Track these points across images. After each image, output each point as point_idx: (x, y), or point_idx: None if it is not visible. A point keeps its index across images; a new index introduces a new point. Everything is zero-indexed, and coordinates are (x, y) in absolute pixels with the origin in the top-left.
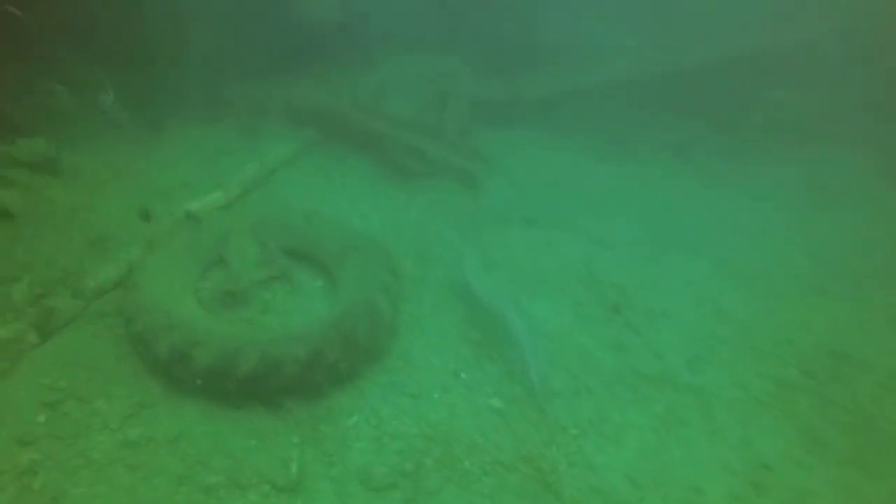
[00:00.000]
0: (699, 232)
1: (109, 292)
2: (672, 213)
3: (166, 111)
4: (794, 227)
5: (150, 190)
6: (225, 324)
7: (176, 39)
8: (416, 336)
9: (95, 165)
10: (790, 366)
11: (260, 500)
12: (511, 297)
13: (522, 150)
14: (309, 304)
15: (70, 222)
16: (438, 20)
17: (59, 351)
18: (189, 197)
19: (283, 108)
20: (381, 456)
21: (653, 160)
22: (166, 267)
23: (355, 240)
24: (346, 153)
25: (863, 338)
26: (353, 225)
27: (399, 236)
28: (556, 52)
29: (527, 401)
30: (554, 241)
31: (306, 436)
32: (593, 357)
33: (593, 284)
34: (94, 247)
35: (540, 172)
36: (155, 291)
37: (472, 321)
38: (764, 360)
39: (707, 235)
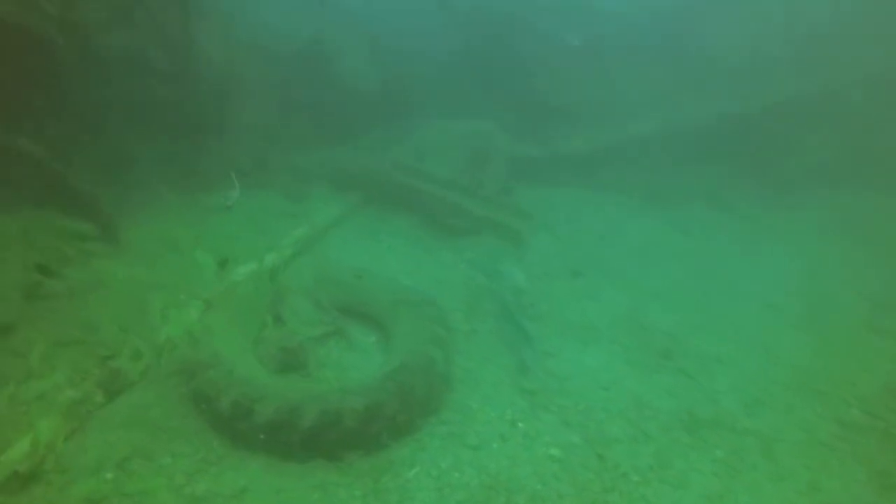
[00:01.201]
0: (744, 278)
1: (171, 352)
2: (715, 260)
3: (217, 179)
4: (841, 269)
5: (205, 254)
6: (284, 379)
7: (224, 112)
8: (470, 388)
9: (154, 231)
10: (852, 406)
11: None
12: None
13: (562, 205)
14: (363, 358)
15: (130, 288)
16: (472, 85)
17: (124, 410)
18: (243, 259)
19: (328, 173)
20: None
21: (691, 209)
22: (225, 326)
23: (406, 295)
24: (391, 214)
25: None
26: (402, 281)
27: (447, 291)
28: (588, 109)
29: (584, 448)
30: (600, 292)
31: (368, 488)
32: (648, 403)
33: (642, 332)
34: (153, 310)
35: (581, 226)
36: (215, 350)
37: (528, 371)
38: (824, 402)
39: (752, 281)
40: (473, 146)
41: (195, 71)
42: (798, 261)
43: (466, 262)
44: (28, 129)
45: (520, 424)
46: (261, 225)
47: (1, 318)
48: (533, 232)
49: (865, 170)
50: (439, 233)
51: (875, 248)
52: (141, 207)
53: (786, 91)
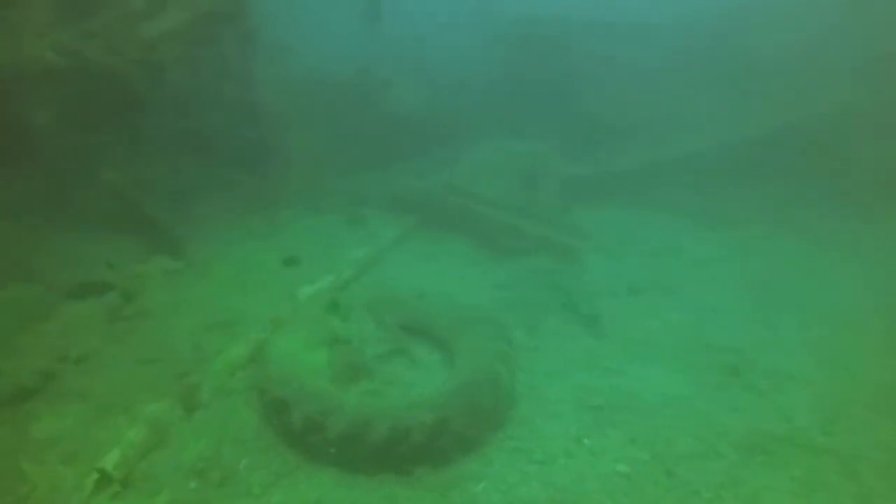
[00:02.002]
0: (810, 294)
1: (243, 369)
2: (780, 277)
3: (279, 205)
4: None
5: (270, 275)
6: (353, 395)
7: (283, 140)
8: (535, 404)
9: (222, 254)
10: None
11: None
12: None
13: (616, 224)
14: (426, 375)
15: (202, 308)
16: (522, 107)
17: (202, 424)
18: (306, 281)
19: (383, 197)
20: None
21: (750, 225)
22: (294, 344)
23: (468, 313)
24: (447, 235)
25: None
26: (462, 300)
27: (507, 310)
28: (640, 127)
29: (652, 465)
30: (661, 310)
31: (436, 502)
32: (717, 420)
33: (707, 350)
34: (225, 329)
35: (636, 245)
36: (286, 366)
37: (590, 389)
38: None
39: (819, 298)
40: (525, 166)
41: (255, 102)
42: (866, 276)
43: (524, 281)
44: (110, 161)
45: (585, 441)
46: (322, 247)
47: (86, 340)
48: (588, 251)
49: None
50: (495, 253)
51: None
52: (208, 233)
53: (845, 99)
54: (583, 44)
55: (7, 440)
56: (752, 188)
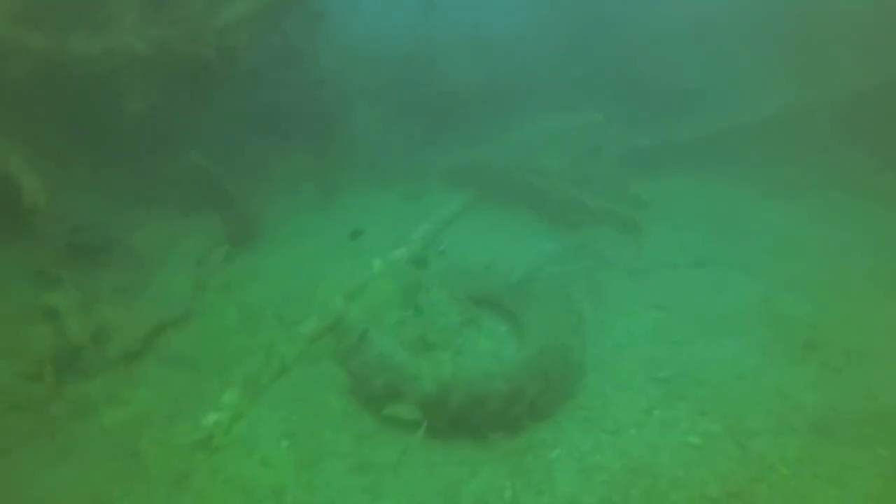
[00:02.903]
0: (890, 266)
1: (323, 338)
2: (855, 247)
3: (343, 181)
4: None
5: (340, 249)
6: (428, 363)
7: (343, 116)
8: (604, 375)
9: (293, 231)
10: None
11: None
12: None
13: (679, 195)
14: (496, 346)
15: (281, 280)
16: (580, 76)
17: (288, 389)
18: (377, 254)
19: (443, 170)
20: (587, 487)
21: (824, 196)
22: (370, 314)
23: (536, 286)
24: (508, 208)
25: None
26: (529, 273)
27: (572, 282)
28: (704, 94)
29: (724, 438)
30: (727, 282)
31: (512, 467)
32: (792, 396)
33: (779, 323)
34: (303, 300)
35: (701, 216)
36: (366, 335)
37: (659, 361)
38: None
39: None
40: (585, 138)
41: (317, 81)
42: None
43: (587, 253)
44: (193, 143)
45: (656, 412)
46: (386, 222)
47: (176, 310)
48: (651, 223)
49: None
50: (558, 226)
51: None
52: (279, 208)
53: None
54: (641, 6)
55: (116, 400)
56: (826, 157)
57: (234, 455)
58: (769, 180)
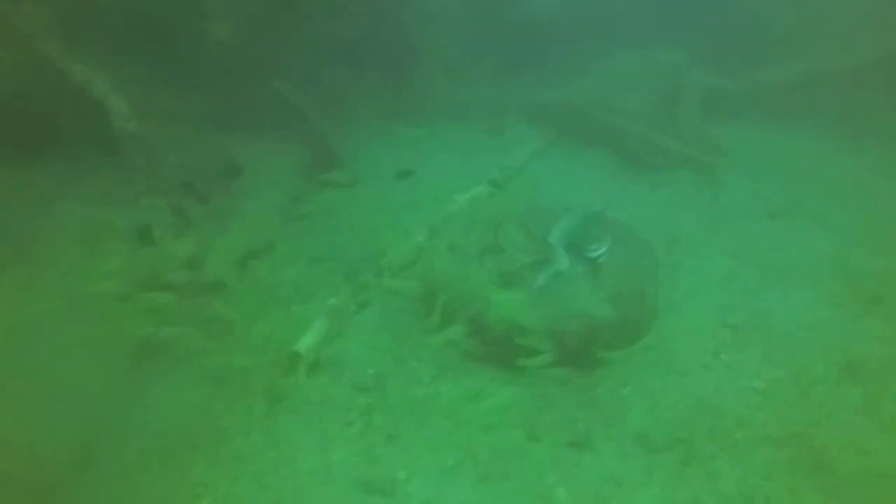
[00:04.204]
0: None
1: (406, 270)
2: None
3: (420, 113)
4: None
5: (419, 183)
6: (509, 300)
7: (422, 47)
8: (675, 319)
9: (373, 163)
10: None
11: (552, 452)
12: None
13: (760, 142)
14: (573, 286)
15: (364, 212)
16: (660, 12)
17: (373, 319)
18: (457, 189)
19: (521, 107)
20: (655, 422)
21: None
22: (449, 250)
23: (611, 228)
24: (586, 148)
25: None
26: (605, 214)
27: (646, 226)
28: (795, 33)
29: (788, 384)
30: (801, 234)
31: (586, 401)
32: (856, 347)
33: (848, 276)
34: (384, 232)
35: (780, 164)
36: (446, 270)
37: (728, 308)
38: None
39: None
40: (666, 78)
41: (394, 10)
42: None
43: (663, 197)
44: (278, 71)
45: (723, 356)
46: (466, 157)
47: (264, 238)
48: (728, 170)
49: None
50: (635, 168)
51: None
52: (359, 140)
53: None
54: None
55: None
56: None
57: (325, 379)
58: (855, 130)
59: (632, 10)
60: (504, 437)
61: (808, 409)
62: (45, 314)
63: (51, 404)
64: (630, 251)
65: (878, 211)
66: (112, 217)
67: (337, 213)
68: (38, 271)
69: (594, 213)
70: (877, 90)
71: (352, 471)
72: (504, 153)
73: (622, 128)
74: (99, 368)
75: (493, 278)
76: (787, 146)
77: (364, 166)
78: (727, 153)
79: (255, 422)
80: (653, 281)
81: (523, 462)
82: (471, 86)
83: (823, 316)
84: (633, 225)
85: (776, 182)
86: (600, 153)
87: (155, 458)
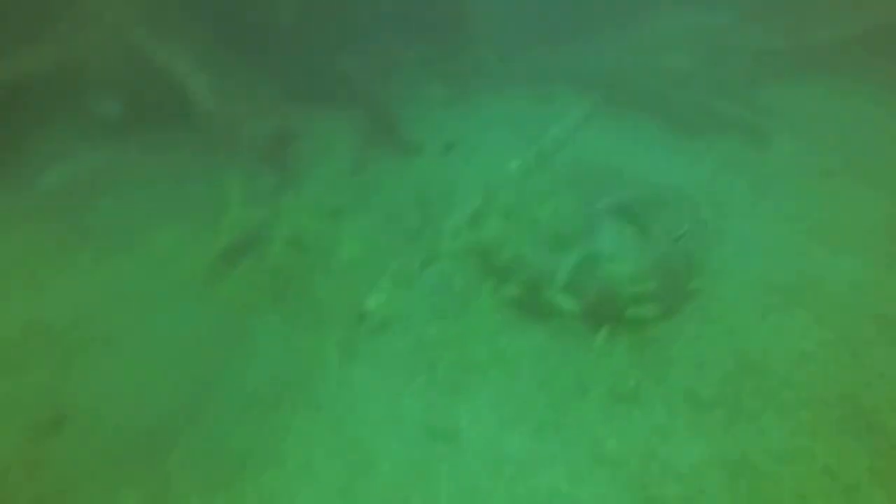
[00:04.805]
0: None
1: (464, 233)
2: None
3: (469, 82)
4: None
5: (472, 151)
6: (564, 261)
7: (472, 17)
8: (723, 281)
9: (426, 131)
10: None
11: (603, 407)
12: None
13: (810, 102)
14: (623, 248)
15: (422, 175)
16: None
17: (433, 280)
18: (508, 158)
19: (569, 71)
20: (702, 379)
21: None
22: (506, 215)
23: (660, 191)
24: (634, 113)
25: None
26: (654, 178)
27: (695, 189)
28: None
29: (837, 345)
30: (853, 195)
31: (635, 358)
32: None
33: None
34: (443, 199)
35: (831, 124)
36: (502, 235)
37: (777, 269)
38: None
39: None
40: (713, 40)
41: None
42: None
43: (712, 160)
44: (338, 44)
45: (772, 317)
46: (516, 125)
47: (330, 204)
48: (778, 131)
49: None
50: (682, 131)
51: None
52: (413, 109)
53: None
54: None
55: (289, 279)
56: None
57: (392, 334)
58: None
59: None
60: (557, 392)
61: (858, 371)
62: (143, 278)
63: (152, 361)
64: (679, 214)
65: None
66: (196, 188)
67: (396, 179)
68: (133, 240)
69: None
70: None
71: (418, 419)
72: (553, 120)
73: (670, 91)
74: (193, 328)
75: (545, 241)
76: (839, 106)
77: (419, 135)
78: (777, 114)
79: (330, 373)
80: (701, 244)
81: (575, 415)
82: (519, 54)
83: (875, 278)
84: (682, 188)
85: (827, 143)
86: (648, 117)
87: (244, 406)
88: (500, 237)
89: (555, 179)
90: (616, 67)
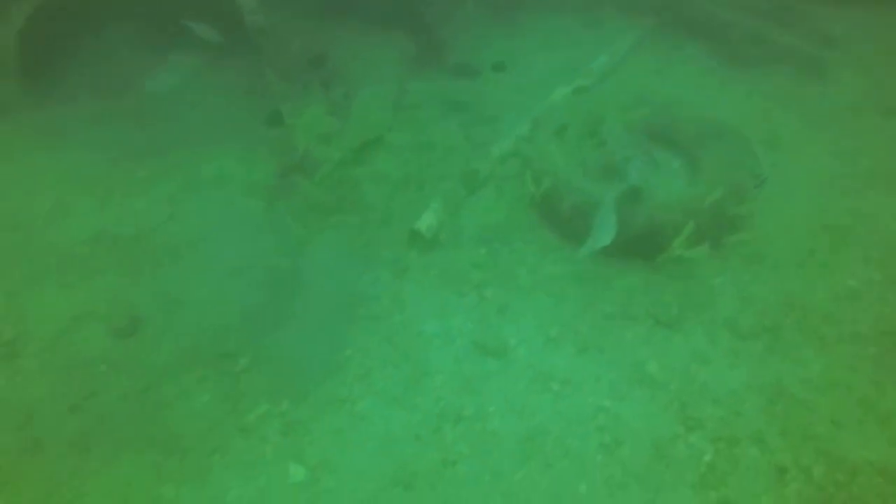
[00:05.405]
0: None
1: (511, 159)
2: None
3: (518, 5)
4: None
5: (521, 76)
6: (611, 191)
7: None
8: (773, 215)
9: (472, 56)
10: None
11: (645, 331)
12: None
13: (873, 32)
14: (670, 181)
15: (468, 101)
16: None
17: (482, 203)
18: (557, 83)
19: None
20: (744, 312)
21: None
22: (552, 142)
23: (711, 123)
24: (686, 40)
25: None
26: (703, 110)
27: (747, 123)
28: None
29: (883, 285)
30: None
31: (679, 289)
32: None
33: None
34: (491, 124)
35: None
36: (552, 160)
37: (828, 207)
38: None
39: None
40: None
41: None
42: None
43: (764, 93)
44: None
45: (818, 254)
46: (565, 50)
47: (379, 125)
48: (838, 63)
49: None
50: (736, 61)
51: None
52: (462, 34)
53: None
54: None
55: (338, 203)
56: None
57: (442, 254)
58: None
59: None
60: (601, 315)
61: None
62: (201, 194)
63: (216, 271)
64: (730, 149)
65: None
66: (250, 105)
67: (442, 102)
68: (185, 157)
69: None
70: None
71: (469, 335)
72: (602, 46)
73: (724, 18)
74: (251, 243)
75: (594, 169)
76: None
77: (465, 58)
78: (837, 44)
79: (383, 289)
80: (752, 179)
81: (618, 337)
82: None
83: None
84: (733, 122)
85: (891, 77)
86: (701, 45)
87: (305, 316)
88: (547, 163)
89: (602, 107)
90: None
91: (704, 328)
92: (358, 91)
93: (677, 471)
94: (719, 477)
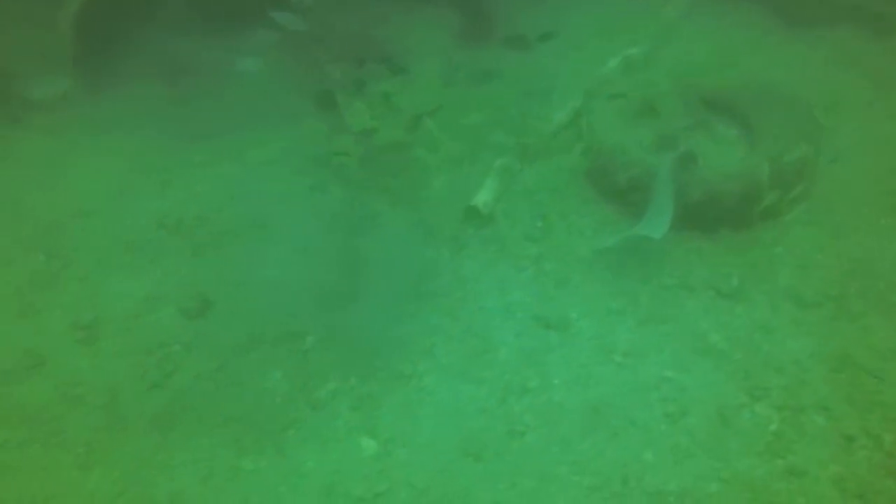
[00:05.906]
0: None
1: (564, 132)
2: None
3: None
4: None
5: (572, 47)
6: (669, 161)
7: None
8: (833, 183)
9: (522, 31)
10: None
11: (706, 302)
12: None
13: None
14: (727, 150)
15: (519, 76)
16: None
17: (537, 177)
18: (608, 53)
19: None
20: (806, 281)
21: None
22: (607, 113)
23: (770, 90)
24: (739, 2)
25: None
26: (760, 75)
27: (806, 87)
28: None
29: None
30: None
31: (738, 259)
32: None
33: None
34: (543, 97)
35: None
36: (605, 133)
37: (892, 171)
38: None
39: None
40: None
41: None
42: None
43: (824, 57)
44: None
45: (882, 221)
46: (615, 19)
47: (430, 102)
48: None
49: None
50: (792, 24)
51: None
52: (509, 7)
53: None
54: None
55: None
56: None
57: (499, 230)
58: None
59: None
60: (661, 287)
61: None
62: (259, 176)
63: (279, 252)
64: (789, 113)
65: None
66: (302, 85)
67: (493, 76)
68: (250, 139)
69: None
70: None
71: (529, 309)
72: (653, 12)
73: None
74: (312, 223)
75: (650, 140)
76: None
77: (515, 30)
78: None
79: (443, 265)
80: (813, 145)
81: (679, 309)
82: None
83: None
84: (792, 85)
85: None
86: (756, 6)
87: (369, 294)
88: (603, 135)
89: (656, 75)
90: None
91: (766, 298)
92: (408, 68)
93: (743, 439)
94: (786, 445)
